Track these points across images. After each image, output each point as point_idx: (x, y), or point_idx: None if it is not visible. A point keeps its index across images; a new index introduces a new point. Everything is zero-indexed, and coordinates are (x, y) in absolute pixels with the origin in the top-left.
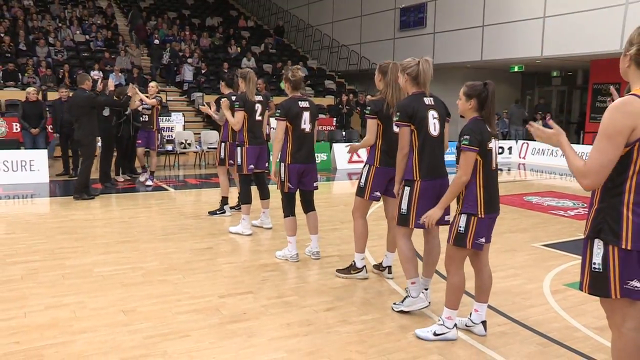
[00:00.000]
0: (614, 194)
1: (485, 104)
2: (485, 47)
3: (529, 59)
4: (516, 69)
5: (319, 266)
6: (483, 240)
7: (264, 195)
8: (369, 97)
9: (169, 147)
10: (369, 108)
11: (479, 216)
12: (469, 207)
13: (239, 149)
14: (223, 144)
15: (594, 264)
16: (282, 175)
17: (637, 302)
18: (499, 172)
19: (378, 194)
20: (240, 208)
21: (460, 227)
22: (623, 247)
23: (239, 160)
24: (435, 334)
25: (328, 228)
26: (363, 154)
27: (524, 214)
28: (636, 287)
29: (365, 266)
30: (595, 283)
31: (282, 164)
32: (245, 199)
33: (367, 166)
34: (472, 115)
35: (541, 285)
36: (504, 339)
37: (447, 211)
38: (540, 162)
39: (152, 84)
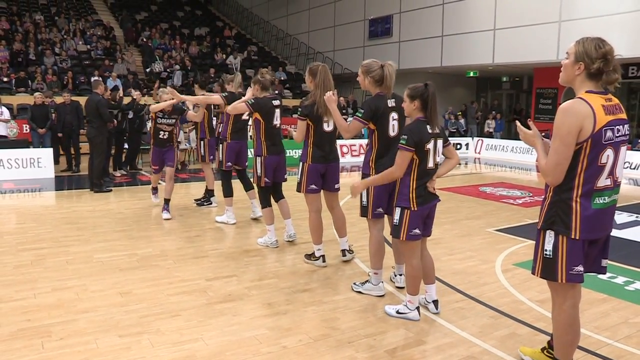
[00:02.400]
0: (565, 189)
1: (427, 104)
2: (444, 54)
3: (482, 66)
4: (471, 74)
5: (296, 251)
6: (417, 231)
7: (248, 187)
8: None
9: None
10: (300, 110)
11: (412, 209)
12: (402, 201)
13: (220, 145)
14: (202, 142)
15: (546, 250)
16: (259, 170)
17: (577, 285)
18: (457, 166)
19: (314, 186)
20: (205, 203)
21: (395, 220)
22: (572, 237)
23: (220, 156)
24: (398, 312)
25: (303, 217)
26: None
27: (479, 202)
28: (579, 271)
29: (323, 256)
30: (546, 268)
31: (259, 158)
32: (226, 192)
33: (301, 163)
34: (417, 115)
35: (493, 266)
36: (461, 314)
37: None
38: (493, 157)
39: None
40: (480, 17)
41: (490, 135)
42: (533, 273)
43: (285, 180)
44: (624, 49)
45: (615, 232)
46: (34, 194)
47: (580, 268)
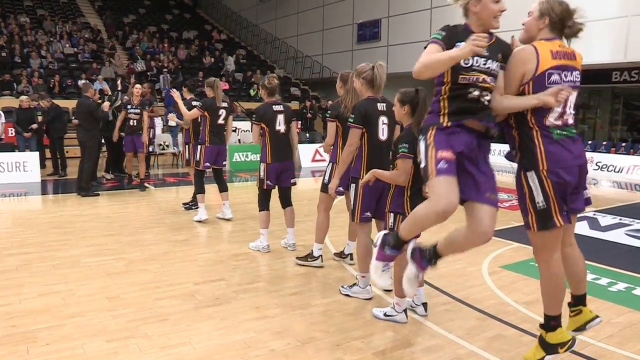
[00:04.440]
0: (523, 123)
1: (416, 109)
2: None
3: None
4: None
5: (286, 255)
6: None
7: (222, 188)
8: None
9: (150, 149)
10: (329, 112)
11: (407, 215)
12: (397, 207)
13: (199, 147)
14: (187, 146)
15: (538, 202)
16: (262, 174)
17: (566, 228)
18: None
19: (341, 189)
20: (193, 207)
21: (389, 224)
22: (541, 169)
23: (197, 156)
24: (385, 315)
25: (297, 221)
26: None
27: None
28: (566, 211)
29: (321, 255)
30: (543, 219)
31: (262, 164)
32: (199, 189)
33: (331, 164)
34: (408, 121)
35: (480, 268)
36: (448, 316)
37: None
38: None
39: (137, 86)
40: None
41: None
42: (529, 229)
43: (294, 184)
44: (608, 54)
45: (599, 235)
46: (19, 198)
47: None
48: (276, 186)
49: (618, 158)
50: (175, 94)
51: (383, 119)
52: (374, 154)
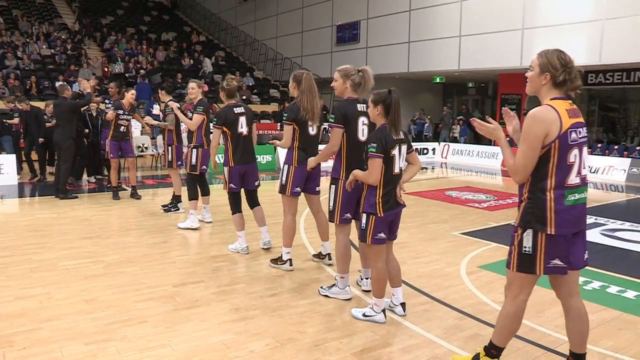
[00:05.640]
0: (539, 187)
1: (390, 109)
2: (411, 60)
3: (448, 72)
4: (438, 80)
5: (265, 257)
6: (383, 235)
7: (205, 192)
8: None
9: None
10: (285, 115)
11: (379, 215)
12: (369, 207)
13: (195, 150)
14: (170, 147)
15: (525, 247)
16: (226, 177)
17: (535, 277)
18: (424, 170)
19: (298, 189)
20: (172, 209)
21: (362, 224)
22: (548, 232)
23: (193, 160)
24: (364, 315)
25: (273, 222)
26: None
27: (445, 206)
28: (557, 264)
29: (290, 259)
30: (524, 263)
31: (226, 168)
32: (192, 196)
33: (287, 166)
34: (381, 121)
35: (458, 268)
36: (426, 316)
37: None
38: (459, 162)
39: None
40: (446, 24)
41: (455, 140)
42: (508, 267)
43: (258, 186)
44: (584, 56)
45: None
46: None
47: (558, 262)
48: (242, 189)
49: (594, 159)
50: (174, 105)
51: (363, 120)
52: (353, 154)
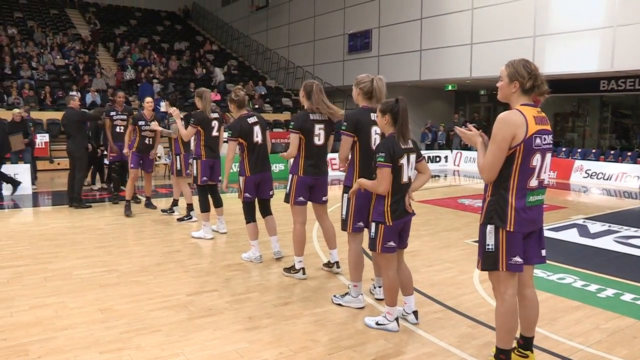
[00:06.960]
0: (502, 187)
1: (397, 118)
2: (423, 68)
3: (460, 79)
4: (450, 88)
5: (278, 265)
6: (392, 244)
7: (217, 203)
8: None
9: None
10: (292, 123)
11: (387, 224)
12: (378, 216)
13: (194, 161)
14: (178, 157)
15: (488, 245)
16: (241, 186)
17: (516, 275)
18: (436, 178)
19: (302, 198)
20: (185, 218)
21: (371, 233)
22: (508, 229)
23: (194, 172)
24: (377, 324)
25: (286, 230)
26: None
27: (458, 214)
28: (517, 262)
29: (303, 268)
30: (488, 260)
31: (241, 178)
32: (203, 207)
33: (291, 175)
34: (389, 130)
35: (471, 276)
36: (439, 324)
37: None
38: (472, 169)
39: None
40: (458, 31)
41: (467, 148)
42: (477, 267)
43: (272, 196)
44: (596, 63)
45: (589, 242)
46: (10, 211)
47: (518, 259)
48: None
49: (607, 166)
50: (175, 112)
51: (376, 129)
52: (366, 163)
